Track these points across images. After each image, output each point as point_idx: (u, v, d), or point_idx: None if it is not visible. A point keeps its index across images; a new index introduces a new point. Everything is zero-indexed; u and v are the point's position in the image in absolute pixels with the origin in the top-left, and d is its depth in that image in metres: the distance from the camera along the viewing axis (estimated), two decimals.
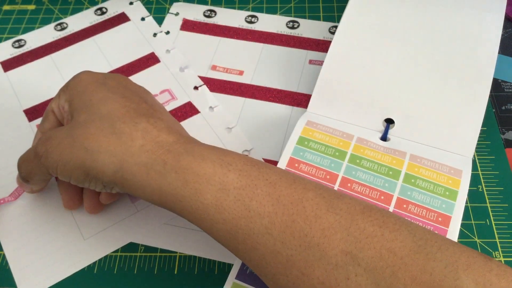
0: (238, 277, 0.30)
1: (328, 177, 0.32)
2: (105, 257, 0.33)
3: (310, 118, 0.36)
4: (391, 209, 0.31)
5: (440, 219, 0.30)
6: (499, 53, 0.43)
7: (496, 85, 0.42)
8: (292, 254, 0.23)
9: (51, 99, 0.41)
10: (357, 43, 0.38)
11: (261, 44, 0.45)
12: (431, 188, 0.31)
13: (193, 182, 0.25)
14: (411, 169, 0.32)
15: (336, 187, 0.32)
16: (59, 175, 0.29)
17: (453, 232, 0.29)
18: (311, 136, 0.34)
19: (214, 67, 0.44)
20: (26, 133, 0.39)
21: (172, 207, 0.26)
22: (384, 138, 0.34)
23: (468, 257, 0.21)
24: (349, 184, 0.32)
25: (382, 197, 0.31)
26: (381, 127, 0.35)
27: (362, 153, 0.33)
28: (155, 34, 0.46)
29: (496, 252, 0.32)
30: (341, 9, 0.48)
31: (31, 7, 0.51)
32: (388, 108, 0.35)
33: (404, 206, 0.31)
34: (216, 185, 0.25)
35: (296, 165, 0.33)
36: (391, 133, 0.35)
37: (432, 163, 0.33)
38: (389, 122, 0.35)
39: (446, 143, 0.34)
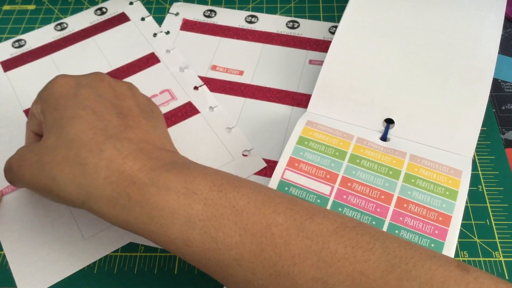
0: None
1: (328, 176, 0.32)
2: (105, 257, 0.33)
3: (310, 118, 0.36)
4: (391, 208, 0.31)
5: (440, 218, 0.30)
6: (499, 53, 0.43)
7: (496, 85, 0.42)
8: (263, 283, 0.23)
9: None
10: (357, 43, 0.38)
11: (261, 44, 0.45)
12: (431, 188, 0.31)
13: (158, 217, 0.25)
14: (411, 169, 0.32)
15: (336, 186, 0.32)
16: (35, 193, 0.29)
17: (453, 232, 0.29)
18: (311, 136, 0.34)
19: (214, 67, 0.44)
20: None
21: (142, 236, 0.26)
22: (384, 138, 0.34)
23: (444, 271, 0.21)
24: (349, 184, 0.32)
25: (383, 197, 0.31)
26: (381, 127, 0.35)
27: (362, 153, 0.33)
28: (155, 34, 0.46)
29: (496, 252, 0.32)
30: (341, 9, 0.48)
31: (31, 7, 0.51)
32: (388, 108, 0.35)
33: (405, 205, 0.31)
34: (181, 219, 0.24)
35: (296, 164, 0.33)
36: (391, 133, 0.35)
37: (432, 163, 0.33)
38: (389, 122, 0.35)
39: (446, 143, 0.34)
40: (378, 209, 0.31)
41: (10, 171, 0.30)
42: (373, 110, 0.35)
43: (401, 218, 0.30)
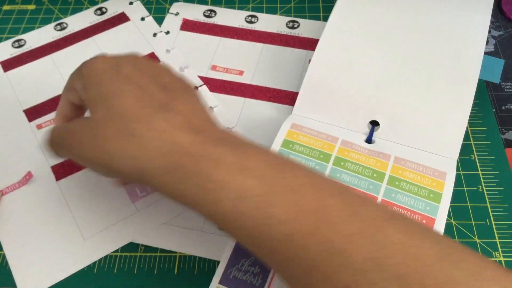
0: (221, 281, 0.29)
1: None
2: (105, 257, 0.33)
3: (295, 121, 0.36)
4: None
5: (424, 221, 0.30)
6: (499, 55, 0.43)
7: (496, 85, 0.42)
8: (315, 259, 0.23)
9: (51, 99, 0.42)
10: (342, 46, 0.37)
11: (261, 44, 0.45)
12: (415, 191, 0.31)
13: (210, 190, 0.25)
14: (395, 171, 0.32)
15: None
16: (85, 166, 0.29)
17: None
18: (295, 139, 0.34)
19: (214, 67, 0.44)
20: (26, 134, 0.39)
21: (193, 209, 0.26)
22: (369, 140, 0.34)
23: (492, 269, 0.21)
24: None
25: None
26: (367, 129, 0.35)
27: (346, 156, 0.33)
28: (155, 34, 0.46)
29: (496, 252, 0.32)
30: None
31: (31, 7, 0.51)
32: (373, 110, 0.35)
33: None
34: (234, 193, 0.24)
35: None
36: (376, 135, 0.35)
37: (416, 166, 0.32)
38: (374, 124, 0.35)
39: (431, 145, 0.33)
40: None
41: (60, 144, 0.29)
42: (358, 112, 0.35)
43: None
